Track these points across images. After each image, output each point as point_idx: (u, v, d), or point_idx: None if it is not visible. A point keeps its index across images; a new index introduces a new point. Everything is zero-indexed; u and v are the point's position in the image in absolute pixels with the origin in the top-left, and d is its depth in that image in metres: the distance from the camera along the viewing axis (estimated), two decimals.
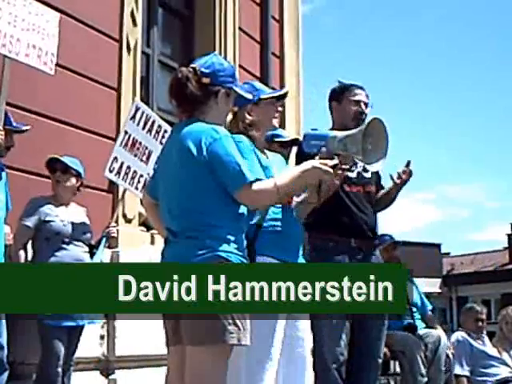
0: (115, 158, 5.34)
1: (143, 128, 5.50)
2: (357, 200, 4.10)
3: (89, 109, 5.90)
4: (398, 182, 4.11)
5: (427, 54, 61.68)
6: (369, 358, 4.10)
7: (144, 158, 5.48)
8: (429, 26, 61.18)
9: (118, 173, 5.34)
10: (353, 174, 4.09)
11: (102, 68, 6.09)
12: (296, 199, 3.45)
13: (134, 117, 5.48)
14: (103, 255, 5.01)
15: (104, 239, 5.00)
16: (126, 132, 5.41)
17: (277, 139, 4.23)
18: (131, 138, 5.42)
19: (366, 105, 4.17)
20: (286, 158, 4.21)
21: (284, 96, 3.68)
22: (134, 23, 6.48)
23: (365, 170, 4.18)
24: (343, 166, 3.29)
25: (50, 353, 4.54)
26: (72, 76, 5.75)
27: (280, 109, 3.59)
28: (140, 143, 5.49)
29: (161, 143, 5.43)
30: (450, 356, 6.32)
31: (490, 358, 6.53)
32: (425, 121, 62.63)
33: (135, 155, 5.45)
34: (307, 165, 3.08)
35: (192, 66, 3.04)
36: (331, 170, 3.11)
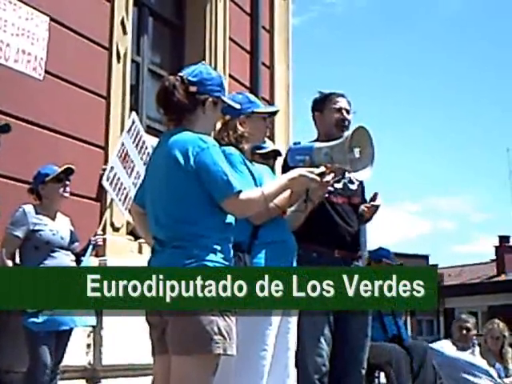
0: (112, 168, 5.37)
1: (133, 141, 5.56)
2: (342, 211, 4.10)
3: (78, 117, 5.89)
4: (367, 216, 4.17)
5: (418, 67, 61.97)
6: (352, 366, 4.09)
7: (129, 171, 5.53)
8: (421, 38, 61.54)
9: (111, 183, 5.37)
10: (339, 185, 4.09)
11: (91, 76, 6.09)
12: (289, 209, 3.47)
13: (129, 129, 5.54)
14: (90, 263, 5.01)
15: (90, 247, 5.00)
16: (122, 144, 5.46)
17: (258, 151, 4.23)
18: (125, 150, 5.46)
19: (348, 111, 4.17)
20: (272, 170, 4.22)
21: (275, 113, 3.72)
22: (124, 32, 6.49)
23: (351, 182, 4.19)
24: (331, 176, 3.31)
25: (37, 361, 4.52)
26: (61, 84, 5.74)
27: (269, 126, 3.63)
28: (129, 156, 5.53)
29: (141, 159, 5.52)
30: (436, 367, 6.33)
31: (475, 369, 6.56)
32: (413, 132, 62.94)
33: (124, 167, 5.49)
34: (294, 173, 3.12)
35: (179, 74, 3.05)
36: (318, 178, 3.15)
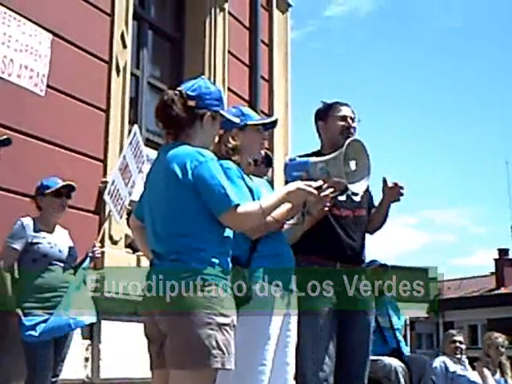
0: (113, 182, 5.37)
1: (133, 153, 5.57)
2: (345, 224, 4.06)
3: (77, 130, 5.90)
4: (390, 185, 4.06)
5: (417, 79, 62.18)
6: (353, 382, 4.08)
7: (126, 181, 5.54)
8: (420, 51, 61.76)
9: (112, 196, 5.38)
10: (342, 198, 4.04)
11: (91, 89, 6.10)
12: (287, 223, 3.47)
13: (130, 142, 5.55)
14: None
15: (88, 259, 4.98)
16: (124, 157, 5.47)
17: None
18: (125, 163, 5.47)
19: (353, 119, 4.13)
20: (270, 182, 4.21)
21: (273, 125, 3.69)
22: (124, 45, 6.51)
23: (354, 194, 4.14)
24: (330, 190, 3.30)
25: (36, 373, 4.51)
26: (61, 97, 5.75)
27: (266, 137, 3.61)
28: (128, 167, 5.54)
29: (137, 167, 5.54)
30: (435, 380, 6.34)
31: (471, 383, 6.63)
32: (409, 145, 63.05)
33: (123, 179, 5.50)
34: (292, 186, 3.12)
35: (178, 88, 3.07)
36: (315, 192, 3.14)
